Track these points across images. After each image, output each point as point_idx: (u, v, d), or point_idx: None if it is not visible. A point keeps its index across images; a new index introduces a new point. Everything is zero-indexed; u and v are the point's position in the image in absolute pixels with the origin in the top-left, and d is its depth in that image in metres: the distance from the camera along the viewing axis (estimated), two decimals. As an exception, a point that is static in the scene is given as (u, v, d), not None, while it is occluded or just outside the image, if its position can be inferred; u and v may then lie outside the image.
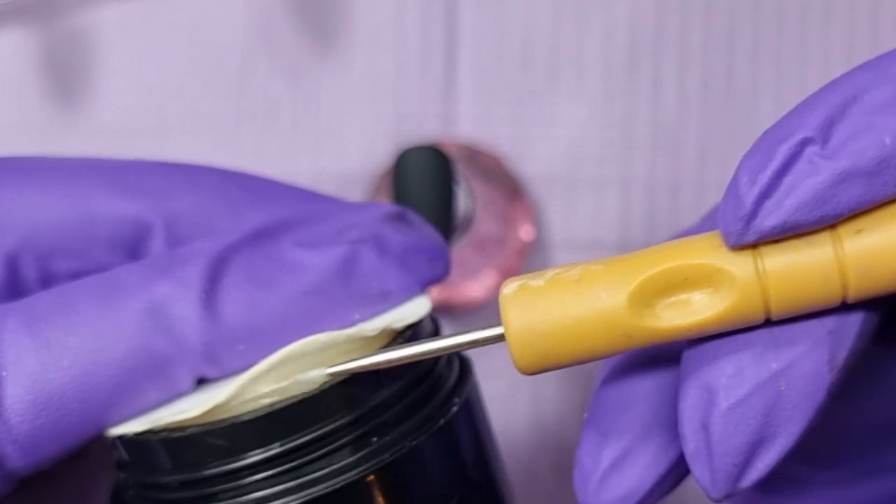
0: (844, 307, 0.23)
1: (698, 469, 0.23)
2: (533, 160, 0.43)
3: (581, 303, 0.23)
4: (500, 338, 0.24)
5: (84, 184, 0.27)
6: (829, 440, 0.28)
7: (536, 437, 0.44)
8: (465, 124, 0.43)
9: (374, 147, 0.43)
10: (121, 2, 0.44)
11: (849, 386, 0.26)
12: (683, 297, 0.23)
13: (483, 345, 0.24)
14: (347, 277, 0.25)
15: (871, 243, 0.22)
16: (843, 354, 0.23)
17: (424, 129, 0.43)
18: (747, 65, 0.44)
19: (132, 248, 0.27)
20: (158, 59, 0.44)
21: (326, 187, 0.43)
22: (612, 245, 0.43)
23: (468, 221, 0.41)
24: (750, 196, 0.22)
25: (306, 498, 0.24)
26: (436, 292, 0.42)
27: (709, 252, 0.23)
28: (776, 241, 0.22)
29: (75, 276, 0.26)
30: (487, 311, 0.43)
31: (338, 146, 0.43)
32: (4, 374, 0.24)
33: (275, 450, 0.24)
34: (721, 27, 0.44)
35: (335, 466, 0.24)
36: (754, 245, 0.22)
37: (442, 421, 0.25)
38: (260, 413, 0.24)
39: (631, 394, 0.26)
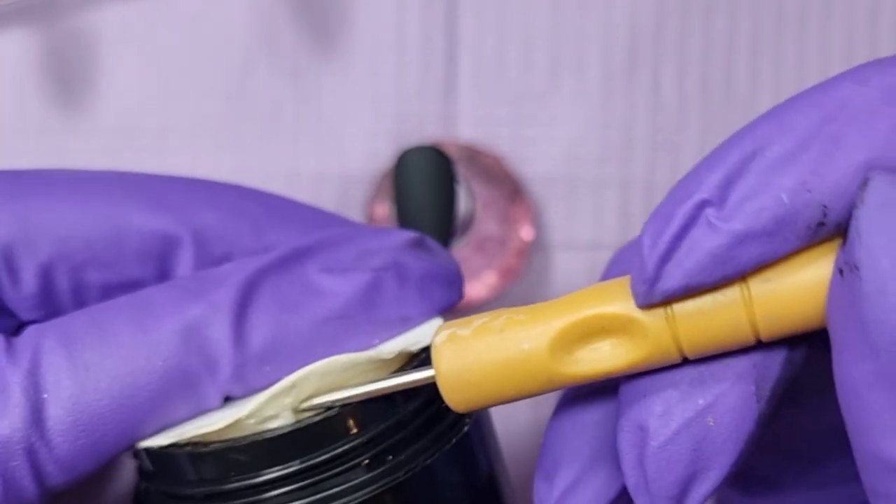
0: (765, 343, 0.23)
1: (640, 501, 0.24)
2: (533, 160, 0.43)
3: (504, 351, 0.24)
4: (431, 379, 0.25)
5: (114, 198, 0.27)
6: (802, 442, 0.28)
7: (536, 438, 0.44)
8: (466, 125, 0.43)
9: (374, 147, 0.43)
10: (122, 2, 0.44)
11: (816, 389, 0.27)
12: (600, 344, 0.24)
13: (417, 385, 0.25)
14: (370, 304, 0.26)
15: (777, 290, 0.22)
16: (769, 385, 0.23)
17: (425, 129, 0.43)
18: (746, 65, 0.44)
19: (161, 260, 0.27)
20: (160, 60, 0.44)
21: (328, 187, 0.43)
22: (613, 245, 0.43)
23: (469, 221, 0.41)
24: (651, 260, 0.22)
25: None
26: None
27: (624, 301, 0.23)
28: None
29: (106, 287, 0.27)
30: (488, 311, 0.43)
31: (339, 146, 0.43)
32: (46, 395, 0.24)
33: (294, 467, 0.25)
34: (720, 28, 0.44)
35: (351, 484, 0.25)
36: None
37: (454, 439, 0.26)
38: (281, 431, 0.25)
39: (581, 424, 0.27)
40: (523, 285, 0.43)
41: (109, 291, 0.27)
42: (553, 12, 0.44)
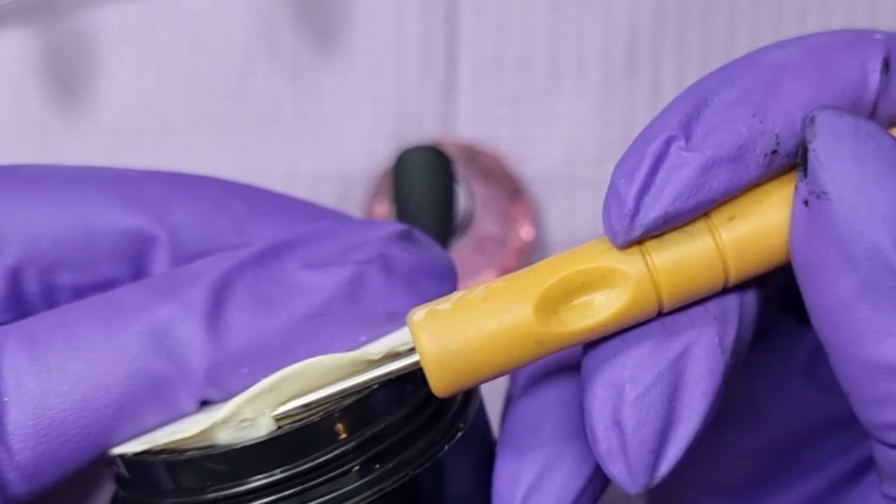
0: (723, 292, 0.24)
1: (615, 467, 0.23)
2: (533, 160, 0.43)
3: (491, 319, 0.24)
4: (415, 365, 0.24)
5: (86, 195, 0.26)
6: (731, 466, 0.29)
7: None
8: (466, 124, 0.43)
9: (374, 147, 0.43)
10: (122, 2, 0.44)
11: (745, 406, 0.28)
12: (584, 299, 0.24)
13: (400, 373, 0.24)
14: (353, 299, 0.25)
15: (743, 227, 0.24)
16: (730, 337, 0.24)
17: (425, 129, 0.43)
18: None
19: (136, 259, 0.26)
20: (159, 60, 0.44)
21: (327, 187, 0.43)
22: None
23: (468, 221, 0.41)
24: (630, 194, 0.23)
25: None
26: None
27: (601, 255, 0.24)
28: (660, 237, 0.24)
29: (78, 288, 0.26)
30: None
31: (338, 146, 0.43)
32: (6, 399, 0.23)
33: (276, 476, 0.24)
34: (720, 28, 0.44)
35: (338, 493, 0.24)
36: (640, 242, 0.24)
37: (446, 447, 0.25)
38: (260, 439, 0.24)
39: (539, 412, 0.27)
40: (523, 285, 0.44)
41: (82, 292, 0.26)
42: (553, 12, 0.44)
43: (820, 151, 0.23)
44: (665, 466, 0.23)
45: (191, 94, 0.43)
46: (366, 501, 0.24)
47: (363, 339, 0.25)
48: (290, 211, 0.27)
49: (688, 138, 0.23)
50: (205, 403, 0.24)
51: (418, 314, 0.24)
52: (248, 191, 0.28)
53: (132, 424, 0.24)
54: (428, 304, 0.24)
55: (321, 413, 0.24)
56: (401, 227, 0.27)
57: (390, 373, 0.24)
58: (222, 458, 0.24)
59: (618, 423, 0.23)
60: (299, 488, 0.24)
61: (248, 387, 0.24)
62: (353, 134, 0.43)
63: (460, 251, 0.42)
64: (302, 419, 0.24)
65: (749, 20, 0.44)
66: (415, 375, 0.24)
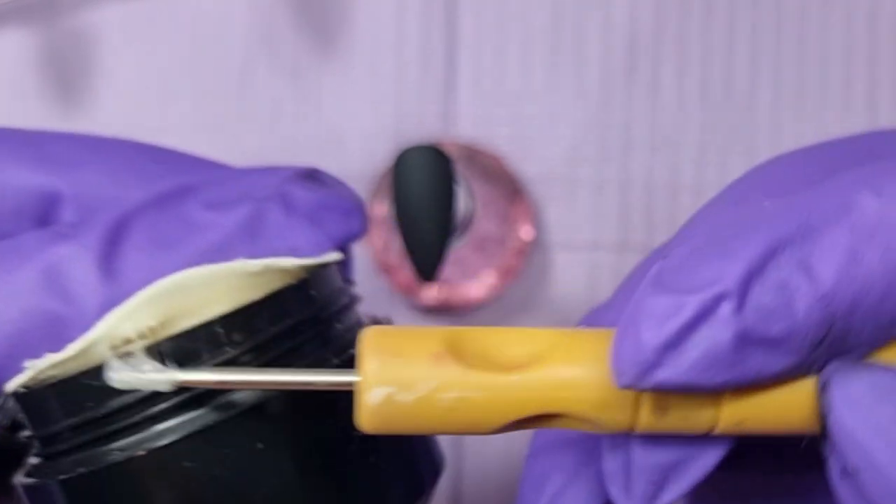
0: None
1: (614, 488, 0.23)
2: (532, 160, 0.44)
3: (446, 430, 0.22)
4: (347, 388, 0.23)
5: None
6: None
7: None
8: (465, 124, 0.44)
9: (374, 147, 0.43)
10: (122, 2, 0.44)
11: None
12: (553, 423, 0.23)
13: (325, 388, 0.23)
14: (252, 235, 0.25)
15: (749, 428, 0.22)
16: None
17: (424, 128, 0.43)
18: (746, 66, 0.44)
19: (41, 218, 0.26)
20: (159, 60, 0.44)
21: (327, 187, 0.43)
22: (612, 245, 0.44)
23: (468, 221, 0.41)
24: (653, 342, 0.21)
25: (204, 423, 0.23)
26: (435, 292, 0.42)
27: (593, 395, 0.22)
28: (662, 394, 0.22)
29: None
30: (487, 310, 0.43)
31: (338, 146, 0.43)
32: None
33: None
34: (720, 28, 0.44)
35: (229, 398, 0.24)
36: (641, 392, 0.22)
37: (336, 361, 0.25)
38: (140, 348, 0.24)
39: (564, 439, 0.26)
40: (523, 285, 0.44)
41: None
42: (552, 12, 0.44)
43: (840, 426, 0.20)
44: (665, 499, 0.23)
45: (190, 93, 0.43)
46: (260, 400, 0.24)
47: None
48: (197, 165, 0.27)
49: (741, 302, 0.21)
50: None
51: (375, 394, 0.22)
52: (155, 150, 0.27)
53: (25, 361, 0.24)
54: (390, 377, 0.22)
55: (205, 321, 0.24)
56: (304, 168, 0.27)
57: (324, 383, 0.23)
58: (98, 374, 0.23)
59: (625, 447, 0.23)
60: (191, 394, 0.24)
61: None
62: (352, 134, 0.43)
63: (460, 251, 0.42)
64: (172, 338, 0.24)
65: (749, 21, 0.44)
66: (293, 296, 0.24)
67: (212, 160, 0.28)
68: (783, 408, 0.22)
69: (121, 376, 0.23)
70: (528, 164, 0.43)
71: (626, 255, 0.44)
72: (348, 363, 0.24)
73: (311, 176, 0.27)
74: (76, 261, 0.24)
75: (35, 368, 0.24)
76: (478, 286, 0.42)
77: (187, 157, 0.28)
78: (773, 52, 0.44)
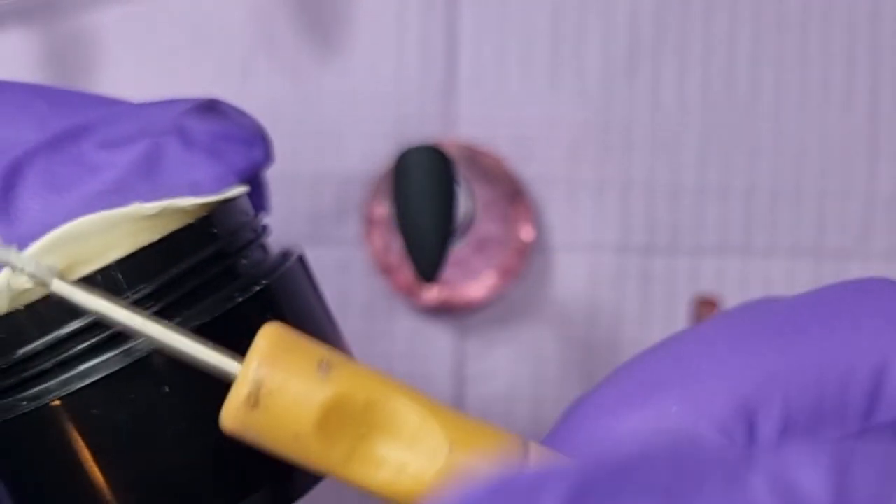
0: None
1: None
2: (533, 161, 0.44)
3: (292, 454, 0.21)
4: (226, 377, 0.22)
5: None
6: None
7: (535, 431, 0.44)
8: (466, 125, 0.43)
9: (374, 147, 0.43)
10: (122, 3, 0.44)
11: None
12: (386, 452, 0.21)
13: (207, 368, 0.22)
14: (150, 172, 0.24)
15: None
16: None
17: (425, 129, 0.43)
18: (747, 67, 0.44)
19: None
20: (160, 61, 0.44)
21: (327, 187, 0.43)
22: (612, 246, 0.44)
23: (469, 222, 0.41)
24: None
25: (109, 370, 0.23)
26: (436, 293, 0.42)
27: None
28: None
29: None
30: (488, 310, 0.43)
31: (339, 147, 0.43)
32: None
33: (59, 334, 0.24)
34: (721, 30, 0.44)
35: (131, 345, 0.23)
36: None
37: (239, 299, 0.25)
38: (35, 300, 0.23)
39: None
40: (523, 286, 0.44)
41: None
42: (553, 14, 0.44)
43: None
44: None
45: (191, 94, 0.43)
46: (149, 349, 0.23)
47: None
48: (94, 103, 0.26)
49: None
50: None
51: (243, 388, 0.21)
52: (52, 91, 0.27)
53: None
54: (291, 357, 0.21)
55: (103, 266, 0.24)
56: (203, 99, 0.26)
57: (205, 364, 0.22)
58: (4, 323, 0.24)
59: None
60: (98, 339, 0.24)
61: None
62: (353, 134, 0.43)
63: (461, 251, 0.42)
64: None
65: (750, 22, 0.44)
66: (190, 236, 0.24)
67: (110, 97, 0.27)
68: None
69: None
70: (528, 165, 0.43)
71: (626, 255, 0.44)
72: (253, 299, 0.24)
73: (211, 107, 0.26)
74: None
75: None
76: (478, 287, 0.42)
77: (84, 96, 0.27)
78: (775, 53, 0.44)
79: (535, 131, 0.44)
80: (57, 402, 0.23)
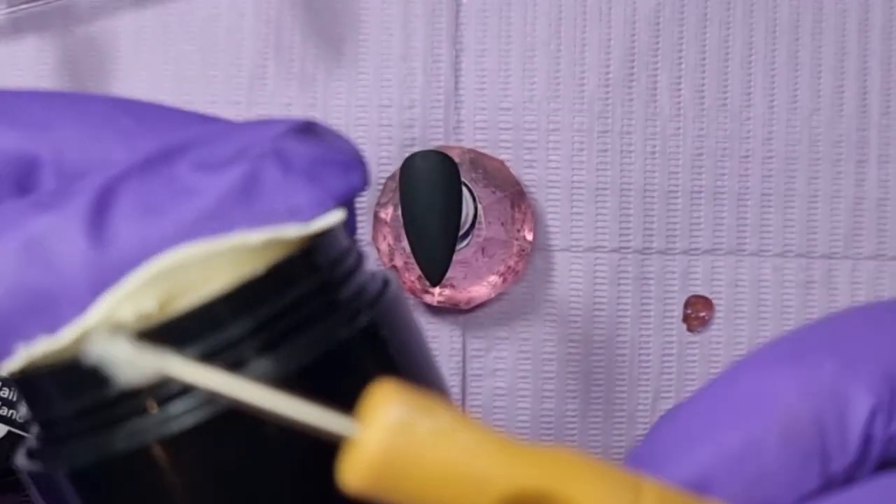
0: None
1: None
2: (534, 166, 0.43)
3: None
4: (340, 437, 0.20)
5: None
6: None
7: (539, 431, 0.44)
8: (470, 131, 0.43)
9: (381, 153, 0.43)
10: (135, 10, 0.44)
11: None
12: None
13: (319, 430, 0.20)
14: (248, 197, 0.22)
15: None
16: None
17: (431, 135, 0.43)
18: (740, 75, 0.44)
19: (18, 182, 0.24)
20: (171, 67, 0.44)
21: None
22: (610, 247, 0.44)
23: (473, 224, 0.41)
24: None
25: (213, 411, 0.21)
26: (441, 292, 0.43)
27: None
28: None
29: None
30: (491, 310, 0.43)
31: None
32: None
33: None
34: (715, 39, 0.44)
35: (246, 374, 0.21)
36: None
37: (346, 331, 0.23)
38: (142, 330, 0.21)
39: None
40: (525, 286, 0.43)
41: None
42: (554, 24, 0.44)
43: None
44: None
45: (202, 100, 0.43)
46: (279, 377, 0.21)
47: None
48: (182, 120, 0.25)
49: None
50: None
51: (391, 417, 0.20)
52: (135, 105, 0.25)
53: (15, 342, 0.22)
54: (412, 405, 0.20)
55: (207, 300, 0.22)
56: (299, 120, 0.24)
57: (317, 428, 0.20)
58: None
59: None
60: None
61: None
62: (359, 139, 0.43)
63: (465, 253, 0.42)
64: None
65: (743, 33, 0.44)
66: (300, 263, 0.22)
67: (196, 113, 0.25)
68: None
69: (115, 362, 0.21)
70: (529, 169, 0.43)
71: (624, 256, 0.44)
72: (359, 335, 0.23)
73: (308, 129, 0.24)
74: (61, 232, 0.22)
75: (29, 355, 0.22)
76: (481, 287, 0.42)
77: (169, 111, 0.25)
78: (766, 62, 0.44)
79: (536, 137, 0.43)
80: (153, 442, 0.21)
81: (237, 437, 0.22)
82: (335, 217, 0.23)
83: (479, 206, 0.41)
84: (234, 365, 0.21)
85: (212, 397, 0.21)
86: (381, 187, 0.43)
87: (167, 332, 0.21)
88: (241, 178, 0.22)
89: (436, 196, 0.38)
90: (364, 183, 0.24)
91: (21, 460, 0.24)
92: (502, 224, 0.42)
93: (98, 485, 0.22)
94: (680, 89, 0.44)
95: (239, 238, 0.22)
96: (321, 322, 0.22)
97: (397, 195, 0.40)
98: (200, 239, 0.22)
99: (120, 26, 0.44)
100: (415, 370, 0.24)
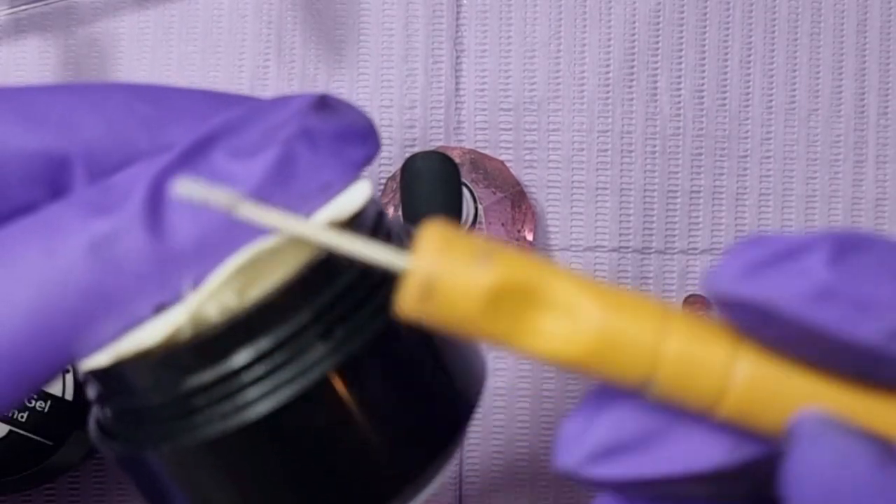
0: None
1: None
2: (534, 166, 0.44)
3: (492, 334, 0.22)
4: (396, 270, 0.22)
5: None
6: None
7: (538, 431, 0.44)
8: (470, 131, 0.43)
9: (382, 153, 0.43)
10: (137, 11, 0.44)
11: None
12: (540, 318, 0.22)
13: (377, 265, 0.22)
14: (285, 178, 0.23)
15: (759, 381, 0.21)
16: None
17: (431, 136, 0.43)
18: (738, 76, 0.44)
19: (52, 181, 0.24)
20: (173, 68, 0.44)
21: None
22: (610, 247, 0.44)
23: (473, 224, 0.41)
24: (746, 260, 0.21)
25: (282, 400, 0.23)
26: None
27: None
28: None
29: None
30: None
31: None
32: None
33: (242, 360, 0.23)
34: (714, 39, 0.44)
35: (304, 364, 0.23)
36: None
37: (383, 299, 0.24)
38: (222, 326, 0.23)
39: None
40: (524, 286, 0.44)
41: (0, 222, 0.24)
42: (554, 25, 0.44)
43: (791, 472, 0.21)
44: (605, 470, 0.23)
45: None
46: (332, 367, 0.23)
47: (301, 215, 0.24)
48: (197, 104, 0.25)
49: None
50: (160, 308, 0.23)
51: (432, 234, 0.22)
52: (152, 91, 0.25)
53: (90, 339, 0.23)
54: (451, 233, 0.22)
55: (280, 287, 0.23)
56: (314, 95, 0.25)
57: (375, 261, 0.22)
58: (189, 353, 0.23)
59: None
60: (269, 367, 0.23)
61: (198, 285, 0.23)
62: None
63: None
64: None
65: (741, 32, 0.44)
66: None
67: (209, 92, 0.26)
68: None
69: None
70: (529, 170, 0.43)
71: (623, 256, 0.44)
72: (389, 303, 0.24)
73: (323, 103, 0.25)
74: (125, 233, 0.23)
75: (115, 353, 0.23)
76: None
77: (183, 94, 0.26)
78: (765, 63, 0.44)
79: (536, 137, 0.43)
80: (233, 429, 0.23)
81: (304, 419, 0.23)
82: (366, 190, 0.24)
83: (480, 207, 0.42)
84: (293, 356, 0.23)
85: (279, 385, 0.23)
86: (381, 188, 0.43)
87: (249, 322, 0.23)
88: (275, 162, 0.23)
89: (436, 197, 0.39)
90: (378, 148, 0.25)
91: (99, 437, 0.25)
92: (503, 224, 0.42)
93: (180, 467, 0.24)
94: (680, 89, 0.44)
95: (306, 226, 0.23)
96: (371, 298, 0.24)
97: (398, 196, 0.40)
98: (247, 225, 0.23)
99: (122, 27, 0.44)
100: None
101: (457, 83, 0.44)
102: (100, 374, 0.24)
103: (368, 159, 0.25)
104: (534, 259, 0.22)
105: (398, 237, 0.26)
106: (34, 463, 0.39)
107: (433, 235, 0.22)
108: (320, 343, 0.23)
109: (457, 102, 0.44)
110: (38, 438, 0.39)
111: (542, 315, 0.22)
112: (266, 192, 0.23)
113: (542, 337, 0.22)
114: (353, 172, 0.24)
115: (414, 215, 0.39)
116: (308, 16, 0.44)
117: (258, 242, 0.23)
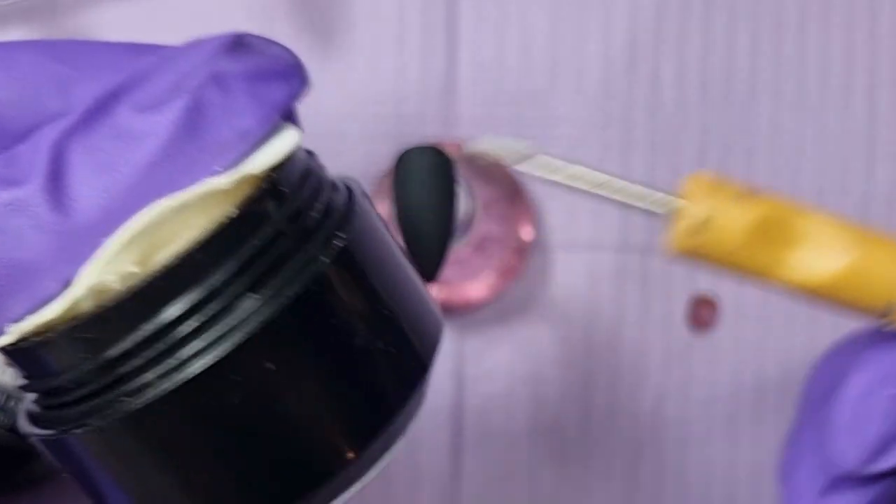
0: None
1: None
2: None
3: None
4: (669, 208, 0.29)
5: None
6: None
7: (535, 432, 0.44)
8: (466, 125, 0.44)
9: (375, 147, 0.43)
10: (121, 3, 0.44)
11: None
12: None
13: (648, 208, 0.29)
14: (195, 130, 0.23)
15: None
16: None
17: (425, 129, 0.44)
18: (745, 66, 0.44)
19: None
20: None
21: (327, 187, 0.43)
22: (612, 245, 0.44)
23: (469, 221, 0.41)
24: None
25: (219, 355, 0.23)
26: (435, 292, 0.42)
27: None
28: None
29: None
30: (488, 310, 0.43)
31: (339, 147, 0.44)
32: None
33: (154, 326, 0.23)
34: (719, 28, 0.44)
35: (236, 321, 0.23)
36: None
37: (324, 259, 0.24)
38: (131, 291, 0.22)
39: None
40: (523, 285, 0.44)
41: None
42: (552, 14, 0.44)
43: None
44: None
45: None
46: (266, 317, 0.23)
47: (217, 168, 0.23)
48: (111, 57, 0.25)
49: None
50: (70, 283, 0.23)
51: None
52: (63, 47, 0.25)
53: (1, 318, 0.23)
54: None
55: (186, 250, 0.23)
56: (229, 35, 0.24)
57: (643, 202, 0.28)
58: (93, 325, 0.23)
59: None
60: (196, 324, 0.23)
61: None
62: (353, 134, 0.43)
63: (461, 251, 0.42)
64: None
65: (748, 20, 0.44)
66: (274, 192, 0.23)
67: (127, 44, 0.25)
68: None
69: None
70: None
71: (626, 254, 0.44)
72: (335, 256, 0.24)
73: (239, 43, 0.24)
74: (26, 206, 0.22)
75: (19, 331, 0.23)
76: (478, 286, 0.43)
77: (97, 48, 0.25)
78: (773, 53, 0.44)
79: (535, 130, 0.44)
80: (154, 398, 0.23)
81: (230, 380, 0.23)
82: (292, 138, 0.24)
83: (476, 203, 0.42)
84: (222, 310, 0.23)
85: (201, 350, 0.23)
86: (375, 183, 0.43)
87: (154, 288, 0.22)
88: (183, 112, 0.22)
89: (430, 192, 0.39)
90: (304, 85, 0.24)
91: (28, 427, 0.25)
92: (499, 221, 0.43)
93: (104, 442, 0.23)
94: (683, 81, 0.44)
95: (207, 185, 0.22)
96: (297, 251, 0.24)
97: (392, 191, 0.40)
98: (159, 183, 0.22)
99: (106, 19, 0.44)
100: (392, 282, 0.26)
101: (452, 75, 0.44)
102: (16, 356, 0.24)
103: (292, 97, 0.24)
104: (789, 200, 0.27)
105: (330, 185, 0.26)
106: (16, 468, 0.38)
107: (701, 180, 0.28)
108: (250, 296, 0.23)
109: (452, 95, 0.44)
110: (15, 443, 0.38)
111: (797, 248, 0.27)
112: (177, 145, 0.22)
113: (796, 268, 0.27)
114: (274, 114, 0.23)
115: (407, 211, 0.39)
116: (298, 7, 0.44)
117: (154, 206, 0.22)
